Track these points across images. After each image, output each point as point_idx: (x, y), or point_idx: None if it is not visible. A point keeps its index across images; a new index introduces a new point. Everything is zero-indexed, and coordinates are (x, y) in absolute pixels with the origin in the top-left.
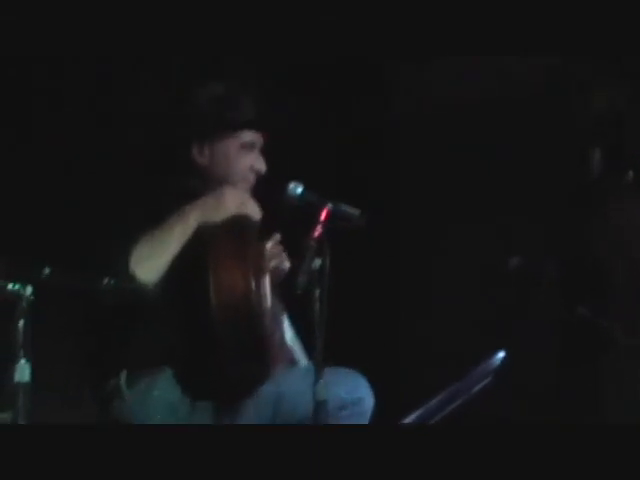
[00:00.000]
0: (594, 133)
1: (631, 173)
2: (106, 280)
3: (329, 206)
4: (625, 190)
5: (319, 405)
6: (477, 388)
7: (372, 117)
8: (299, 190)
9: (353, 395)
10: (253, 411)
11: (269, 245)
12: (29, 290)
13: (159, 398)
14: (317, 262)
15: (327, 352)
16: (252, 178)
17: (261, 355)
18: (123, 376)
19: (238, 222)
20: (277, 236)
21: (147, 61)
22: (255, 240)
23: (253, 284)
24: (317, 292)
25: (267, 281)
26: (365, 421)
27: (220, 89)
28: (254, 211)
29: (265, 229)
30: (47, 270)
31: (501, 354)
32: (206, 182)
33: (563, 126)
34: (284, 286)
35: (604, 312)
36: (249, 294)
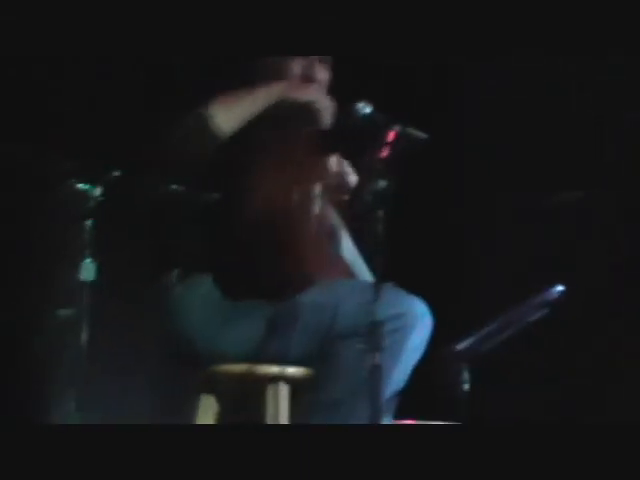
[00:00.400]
0: None
1: None
2: (173, 186)
3: (397, 128)
4: None
5: (375, 325)
6: (532, 318)
7: None
8: (367, 110)
9: (395, 310)
10: (306, 321)
11: (334, 160)
12: (98, 191)
13: (206, 294)
14: (382, 183)
15: (387, 272)
16: None
17: (302, 263)
18: (175, 273)
19: (310, 116)
20: (342, 153)
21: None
22: (312, 144)
23: (297, 192)
24: (380, 213)
25: (318, 188)
26: (407, 335)
27: None
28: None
29: (331, 146)
30: (116, 172)
31: (560, 287)
32: None
33: None
34: (348, 202)
35: None
36: (291, 202)
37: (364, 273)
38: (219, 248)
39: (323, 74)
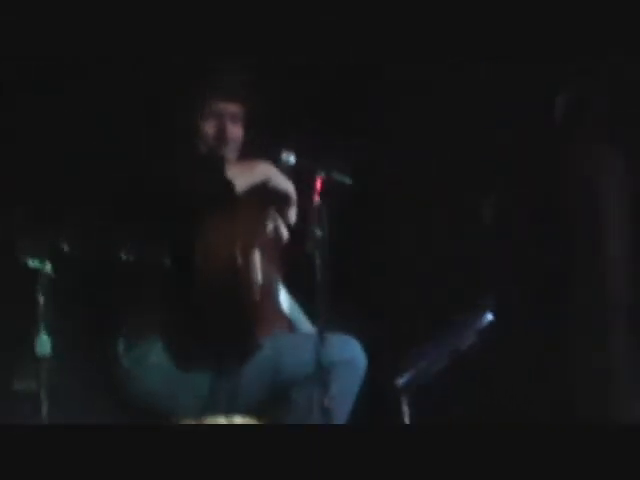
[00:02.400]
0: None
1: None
2: (123, 254)
3: (322, 175)
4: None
5: (323, 369)
6: (463, 346)
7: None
8: (291, 159)
9: (344, 356)
10: (250, 375)
11: (263, 216)
12: (48, 266)
13: (155, 365)
14: (317, 230)
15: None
16: (226, 147)
17: (247, 326)
18: (121, 343)
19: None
20: (272, 207)
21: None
22: (248, 210)
23: (240, 257)
24: (318, 260)
25: (257, 253)
26: (358, 381)
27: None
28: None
29: (259, 200)
30: (65, 246)
31: (489, 316)
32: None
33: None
34: (281, 255)
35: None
36: (235, 267)
37: (303, 323)
38: (168, 316)
39: (236, 131)
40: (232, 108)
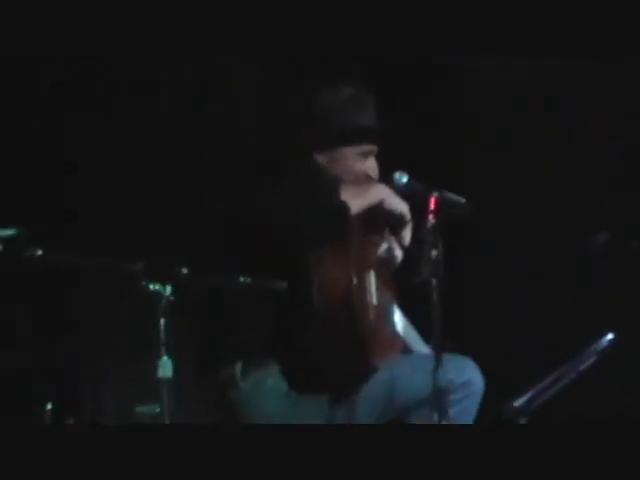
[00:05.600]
0: None
1: None
2: (242, 278)
3: (436, 195)
4: None
5: (440, 391)
6: (583, 368)
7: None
8: (404, 179)
9: (461, 378)
10: (366, 398)
11: (378, 238)
12: (169, 290)
13: (271, 388)
14: (434, 252)
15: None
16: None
17: (364, 350)
18: (238, 367)
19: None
20: (387, 229)
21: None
22: (363, 232)
23: (355, 279)
24: (434, 281)
25: (372, 275)
26: (476, 402)
27: (347, 97)
28: (401, 206)
29: (374, 221)
30: (185, 270)
31: (610, 336)
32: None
33: None
34: (396, 276)
35: None
36: (351, 290)
37: (418, 344)
38: (285, 340)
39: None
40: (378, 147)
